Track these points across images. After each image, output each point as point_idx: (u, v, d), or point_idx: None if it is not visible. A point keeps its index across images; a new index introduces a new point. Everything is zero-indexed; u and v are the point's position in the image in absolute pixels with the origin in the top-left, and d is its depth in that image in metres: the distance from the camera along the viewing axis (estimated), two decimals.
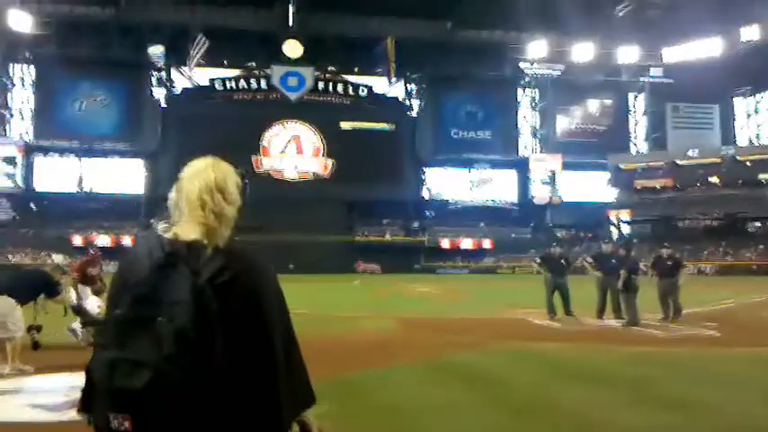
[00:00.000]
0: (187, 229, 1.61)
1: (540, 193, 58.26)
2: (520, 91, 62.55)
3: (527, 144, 62.37)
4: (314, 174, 55.26)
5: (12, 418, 5.47)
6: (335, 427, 4.82)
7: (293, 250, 48.08)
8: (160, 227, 1.66)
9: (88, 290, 10.46)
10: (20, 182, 52.19)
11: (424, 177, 58.35)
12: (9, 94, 55.10)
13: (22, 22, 50.95)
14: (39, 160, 53.67)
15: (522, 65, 58.61)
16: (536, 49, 57.71)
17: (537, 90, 62.01)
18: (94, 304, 10.01)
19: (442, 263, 52.06)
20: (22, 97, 55.63)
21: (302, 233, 48.31)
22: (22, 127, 55.28)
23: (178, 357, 1.42)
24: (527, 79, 60.94)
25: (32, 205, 52.54)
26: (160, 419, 1.43)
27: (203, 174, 1.66)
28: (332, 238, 49.88)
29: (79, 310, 9.69)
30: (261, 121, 55.00)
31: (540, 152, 60.72)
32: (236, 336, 1.50)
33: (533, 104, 62.55)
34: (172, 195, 1.67)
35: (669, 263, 14.27)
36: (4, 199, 51.71)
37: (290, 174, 55.13)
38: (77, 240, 47.43)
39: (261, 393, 1.54)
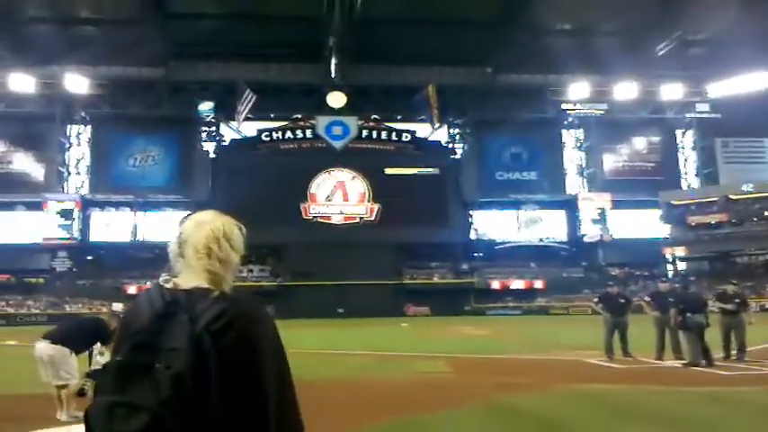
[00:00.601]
0: (189, 278, 1.67)
1: (590, 232, 57.22)
2: (564, 131, 62.45)
3: (574, 183, 61.76)
4: (360, 218, 55.49)
5: None
6: None
7: (342, 295, 48.07)
8: (162, 277, 1.69)
9: None
10: (76, 234, 53.77)
11: (471, 219, 58.04)
12: (67, 153, 57.51)
13: (78, 84, 53.55)
14: (95, 214, 55.42)
15: (564, 105, 58.59)
16: (578, 89, 57.81)
17: (581, 129, 61.80)
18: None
19: (493, 304, 51.10)
20: (78, 154, 58.03)
21: (350, 277, 48.30)
22: (78, 182, 57.43)
23: (175, 402, 1.44)
24: (570, 119, 60.84)
25: (89, 256, 53.97)
26: None
27: (210, 223, 1.73)
28: (380, 281, 49.63)
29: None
30: (307, 170, 55.92)
31: (588, 191, 60.00)
32: (231, 382, 1.52)
33: (578, 144, 62.23)
34: (172, 247, 1.73)
35: (736, 300, 13.65)
36: (63, 251, 53.38)
37: (337, 219, 55.48)
38: (132, 289, 48.31)
39: None
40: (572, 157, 62.46)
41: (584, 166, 61.72)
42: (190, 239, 1.71)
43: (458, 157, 59.20)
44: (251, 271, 51.87)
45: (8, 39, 48.67)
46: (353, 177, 56.60)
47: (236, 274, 1.73)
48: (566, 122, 61.49)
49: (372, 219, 55.26)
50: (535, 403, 8.44)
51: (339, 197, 56.37)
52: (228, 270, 1.69)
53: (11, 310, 45.87)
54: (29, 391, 10.48)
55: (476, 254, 56.91)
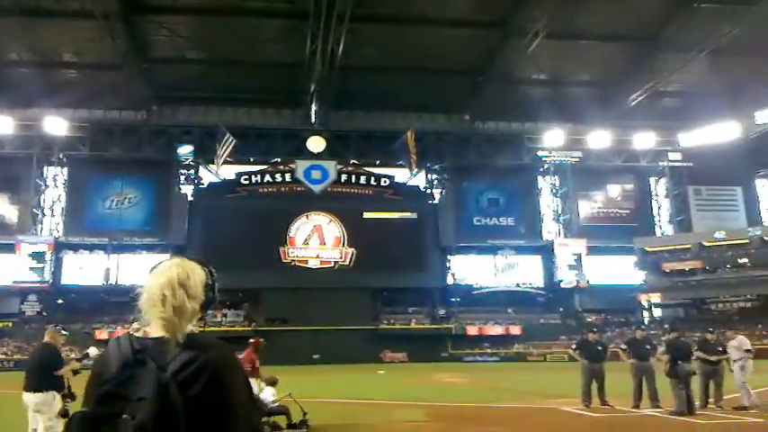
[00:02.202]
0: (155, 327, 1.69)
1: (566, 278, 57.48)
2: (540, 178, 63.29)
3: (550, 229, 62.35)
4: (336, 262, 55.28)
5: None
6: None
7: (318, 340, 47.53)
8: (133, 327, 1.80)
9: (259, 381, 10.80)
10: (48, 277, 52.79)
11: (448, 264, 58.12)
12: (42, 195, 56.92)
13: (57, 126, 53.44)
14: (67, 257, 54.53)
15: (540, 153, 59.58)
16: (553, 137, 58.93)
17: (557, 176, 62.73)
18: (269, 394, 10.65)
19: (470, 350, 50.80)
20: (54, 196, 57.43)
21: (327, 323, 47.82)
22: (52, 224, 56.71)
23: None
24: (546, 166, 61.77)
25: (60, 300, 52.92)
26: None
27: (167, 272, 1.76)
28: (357, 326, 49.20)
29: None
30: (285, 214, 55.83)
31: (564, 237, 60.58)
32: (201, 428, 1.52)
33: (554, 190, 63.08)
34: (141, 294, 1.77)
35: (718, 348, 13.84)
36: (33, 294, 52.29)
37: (314, 263, 55.23)
38: (103, 335, 47.32)
39: None
40: (548, 203, 63.20)
41: (559, 212, 62.45)
42: (147, 288, 1.74)
43: (436, 202, 59.63)
44: (225, 315, 51.22)
45: None
46: (331, 221, 56.58)
47: (196, 320, 1.72)
48: (541, 169, 62.38)
49: (349, 263, 55.07)
50: None
51: (316, 241, 56.22)
52: (183, 318, 1.68)
53: None
54: None
55: (453, 299, 56.77)
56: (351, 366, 38.72)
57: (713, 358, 13.43)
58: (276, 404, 10.76)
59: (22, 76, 49.63)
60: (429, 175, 60.40)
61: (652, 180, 65.09)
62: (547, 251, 58.96)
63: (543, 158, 60.01)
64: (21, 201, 56.60)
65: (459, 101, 56.64)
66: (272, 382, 11.17)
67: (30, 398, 7.64)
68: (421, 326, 53.12)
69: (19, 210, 56.62)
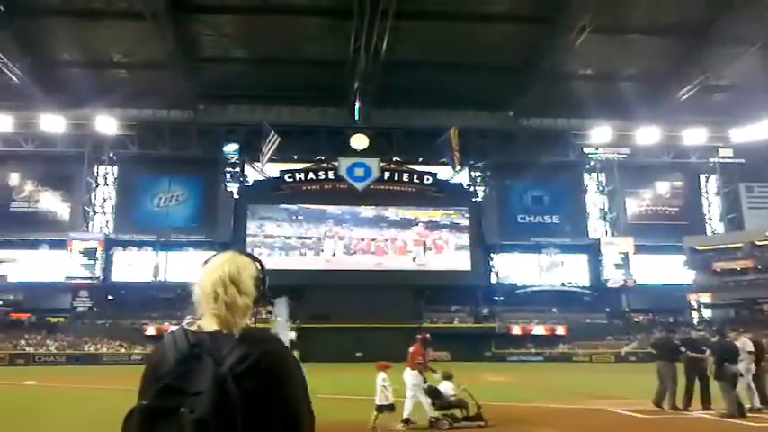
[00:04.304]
0: (209, 321, 1.72)
1: (613, 277, 56.52)
2: (586, 175, 62.32)
3: (597, 227, 61.34)
4: (380, 260, 55.35)
5: None
6: None
7: (360, 338, 47.64)
8: (186, 320, 1.76)
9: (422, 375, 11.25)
10: (99, 273, 54.24)
11: (492, 262, 57.66)
12: (93, 193, 58.47)
13: (107, 125, 54.76)
14: (118, 253, 55.95)
15: (586, 149, 58.60)
16: (600, 133, 57.86)
17: (603, 174, 61.66)
18: (449, 387, 11.11)
19: (514, 350, 50.33)
20: (104, 194, 58.94)
21: (369, 320, 47.92)
22: (103, 222, 58.20)
23: None
24: (592, 163, 60.76)
25: (110, 296, 54.28)
26: None
27: (219, 268, 1.76)
28: (399, 324, 49.12)
29: (434, 393, 10.82)
30: (329, 211, 56.29)
31: (611, 235, 59.51)
32: (258, 425, 1.54)
33: (600, 188, 62.02)
34: (195, 290, 1.79)
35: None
36: (84, 290, 53.74)
37: (357, 261, 55.38)
38: (151, 330, 48.47)
39: None
40: (594, 201, 62.16)
41: (606, 210, 61.36)
42: (200, 284, 1.75)
43: (479, 199, 59.23)
44: (269, 312, 51.65)
45: (41, 80, 50.07)
46: (375, 219, 56.73)
47: (251, 315, 1.75)
48: (588, 166, 61.41)
49: (392, 261, 55.11)
50: None
51: (359, 239, 56.40)
52: (236, 314, 1.69)
53: (30, 350, 46.00)
54: None
55: (497, 298, 56.31)
56: (394, 365, 38.37)
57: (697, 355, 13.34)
58: (454, 397, 11.09)
59: (74, 77, 50.93)
60: (472, 173, 59.99)
61: (702, 177, 63.52)
62: (593, 250, 58.01)
63: (590, 155, 59.01)
64: (72, 199, 58.21)
65: (503, 97, 56.00)
66: (448, 376, 11.55)
67: None
68: (464, 325, 52.83)
69: (71, 207, 58.22)
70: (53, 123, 53.81)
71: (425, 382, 11.25)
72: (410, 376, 11.36)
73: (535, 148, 57.95)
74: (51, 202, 58.22)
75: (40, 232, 54.90)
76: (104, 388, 20.93)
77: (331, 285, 50.82)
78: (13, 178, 58.48)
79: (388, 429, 10.42)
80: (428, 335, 12.49)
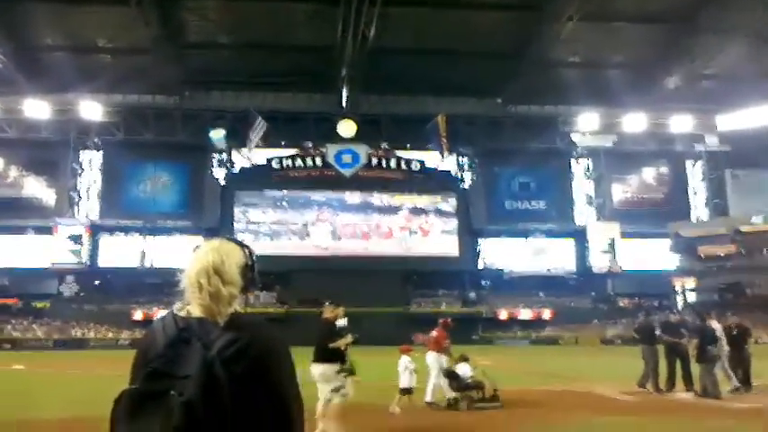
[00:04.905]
0: (196, 308, 1.73)
1: (599, 262, 56.99)
2: (573, 161, 62.60)
3: (583, 213, 61.70)
4: (366, 245, 55.54)
5: None
6: None
7: (349, 322, 47.66)
8: (176, 305, 1.77)
9: (444, 358, 11.58)
10: (85, 259, 53.98)
11: (479, 248, 57.92)
12: (78, 178, 58.04)
13: (91, 110, 54.20)
14: (104, 239, 55.69)
15: (573, 136, 58.81)
16: (587, 120, 57.99)
17: (590, 160, 61.97)
18: (466, 369, 11.41)
19: (501, 333, 50.72)
20: (90, 180, 58.52)
21: (357, 305, 47.86)
22: (89, 207, 57.83)
23: (187, 429, 1.48)
24: (579, 150, 61.01)
25: (96, 281, 54.10)
26: None
27: (202, 258, 1.77)
28: (387, 309, 49.39)
29: (452, 375, 11.13)
30: (316, 198, 56.37)
31: (597, 221, 59.91)
32: (246, 409, 1.57)
33: (587, 174, 62.34)
34: (182, 277, 1.79)
35: (735, 332, 13.84)
36: (70, 275, 53.53)
37: (344, 246, 55.55)
38: (138, 315, 48.40)
39: None
40: (581, 188, 62.47)
41: (593, 196, 61.72)
42: (186, 272, 1.77)
43: (467, 186, 59.36)
44: (257, 297, 51.76)
45: (24, 66, 49.50)
46: (362, 205, 56.79)
47: (240, 302, 1.76)
48: (575, 153, 61.66)
49: (379, 247, 55.25)
50: None
51: (346, 225, 56.47)
52: (220, 303, 1.71)
53: (17, 335, 45.87)
54: (37, 416, 10.51)
55: (484, 282, 56.63)
56: (381, 349, 38.44)
57: (680, 341, 13.53)
58: (471, 379, 11.37)
59: (58, 62, 50.26)
60: (460, 159, 60.10)
61: (688, 164, 63.95)
62: (579, 235, 58.46)
63: (576, 142, 59.22)
64: (58, 184, 57.81)
65: (491, 84, 55.95)
66: (465, 359, 11.81)
67: (314, 369, 8.14)
68: (451, 309, 53.03)
69: (56, 193, 57.85)
70: (37, 109, 53.17)
71: (444, 365, 11.48)
72: (434, 359, 11.56)
73: (523, 134, 58.08)
74: (36, 188, 57.79)
75: (24, 218, 54.49)
76: (92, 372, 20.93)
77: (319, 270, 50.87)
78: None
79: (410, 411, 10.56)
80: (450, 319, 12.77)
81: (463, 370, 11.54)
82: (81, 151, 58.34)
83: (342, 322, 9.27)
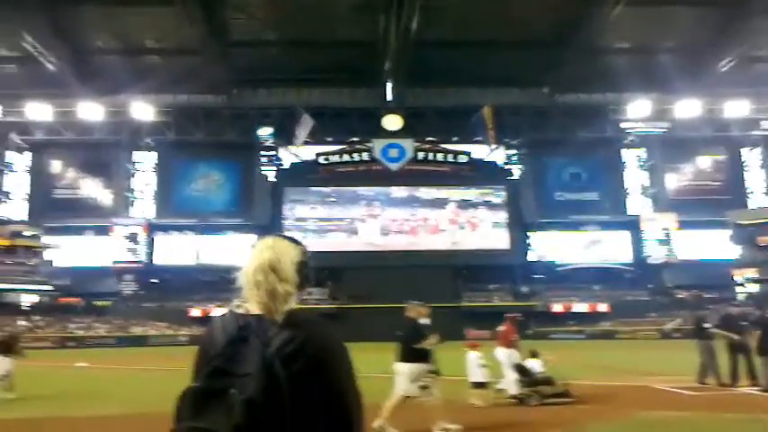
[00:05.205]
0: (254, 305, 1.75)
1: (654, 253, 55.71)
2: (624, 151, 61.18)
3: (637, 203, 60.28)
4: (416, 240, 55.42)
5: None
6: None
7: (400, 318, 47.67)
8: (234, 303, 1.80)
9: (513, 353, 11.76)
10: (142, 258, 55.46)
11: (530, 240, 57.25)
12: (133, 179, 59.51)
13: (143, 111, 55.56)
14: (159, 238, 57.01)
15: (624, 124, 57.53)
16: (638, 108, 56.73)
17: (643, 149, 60.49)
18: (536, 364, 11.65)
19: (556, 328, 50.01)
20: (144, 180, 59.90)
21: (408, 300, 47.89)
22: (144, 207, 59.24)
23: (248, 427, 1.50)
24: (631, 138, 59.62)
25: (154, 279, 55.42)
26: None
27: (258, 256, 1.79)
28: (438, 304, 49.04)
29: (522, 370, 11.22)
30: (364, 193, 56.49)
31: (652, 211, 58.50)
32: (305, 407, 1.59)
33: (640, 163, 60.87)
34: (239, 275, 1.81)
35: (742, 323, 13.51)
36: (129, 274, 54.99)
37: (394, 241, 55.52)
38: (196, 312, 49.42)
39: None
40: (634, 177, 61.05)
41: (646, 186, 60.26)
42: (244, 270, 1.79)
43: (516, 178, 58.70)
44: (310, 293, 52.20)
45: (78, 69, 50.82)
46: (409, 199, 56.71)
47: (292, 299, 1.76)
48: (626, 142, 60.27)
49: (427, 241, 55.11)
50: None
51: (394, 220, 56.48)
52: (277, 300, 1.72)
53: (80, 333, 47.23)
54: (102, 412, 10.77)
55: (536, 276, 55.94)
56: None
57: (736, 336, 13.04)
58: (541, 374, 11.46)
59: (109, 64, 51.56)
60: (508, 151, 59.45)
61: (744, 150, 61.86)
62: (633, 226, 57.19)
63: (628, 131, 57.91)
64: (113, 185, 59.42)
65: (537, 73, 55.11)
66: (535, 354, 12.01)
67: (400, 368, 8.37)
68: (503, 303, 52.55)
69: (112, 193, 59.42)
70: (91, 111, 54.77)
71: (515, 360, 11.48)
72: (503, 354, 11.55)
73: (571, 124, 57.15)
74: (93, 189, 59.51)
75: (83, 218, 56.16)
76: (154, 368, 21.40)
77: (368, 266, 51.05)
78: (55, 166, 59.87)
79: (480, 406, 10.55)
80: (518, 315, 13.27)
81: (532, 365, 11.58)
82: (134, 152, 59.76)
83: (425, 321, 9.29)
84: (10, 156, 58.40)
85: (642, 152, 60.85)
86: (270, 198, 57.01)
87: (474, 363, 11.48)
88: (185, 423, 1.57)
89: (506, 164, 59.16)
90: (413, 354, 8.26)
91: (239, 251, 54.94)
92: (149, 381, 17.12)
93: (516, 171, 59.37)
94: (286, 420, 1.55)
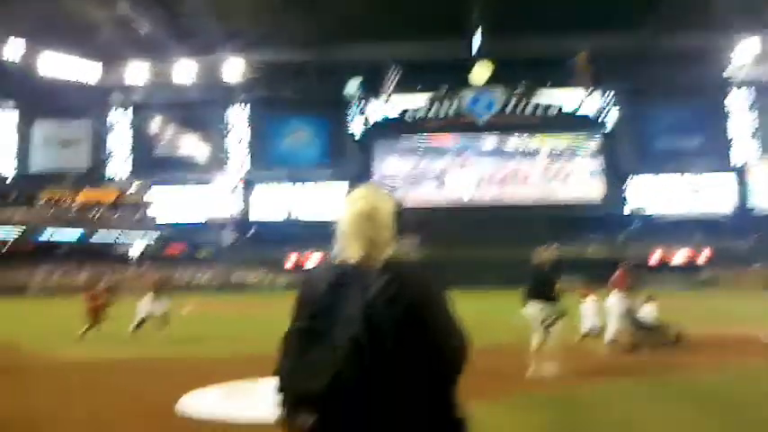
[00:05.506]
0: (352, 253, 1.80)
1: (762, 202, 52.77)
2: (730, 95, 57.68)
3: (742, 150, 57.01)
4: (508, 190, 54.82)
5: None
6: None
7: (492, 267, 47.59)
8: (333, 251, 1.84)
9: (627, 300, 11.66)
10: (239, 211, 58.05)
11: (625, 190, 55.39)
12: (227, 135, 61.50)
13: (235, 69, 57.07)
14: (254, 191, 59.24)
15: (729, 67, 54.16)
16: (745, 49, 53.19)
17: (751, 91, 56.82)
18: (650, 311, 11.65)
19: (654, 278, 48.47)
20: (238, 136, 61.80)
21: (501, 250, 47.67)
22: (239, 162, 61.31)
23: (351, 364, 1.60)
24: (737, 81, 56.11)
25: (251, 231, 57.52)
26: (338, 416, 1.63)
27: (355, 205, 1.84)
28: (529, 256, 48.51)
29: (635, 317, 11.23)
30: (453, 144, 56.11)
31: (760, 158, 55.20)
32: (406, 346, 1.63)
33: (749, 107, 57.23)
34: (337, 224, 1.86)
35: None
36: (228, 226, 57.37)
37: (486, 191, 55.21)
38: (291, 262, 51.03)
39: (433, 394, 1.70)
40: (740, 122, 57.56)
41: (754, 130, 56.66)
42: (340, 219, 1.85)
43: (611, 125, 56.61)
44: (400, 246, 52.69)
45: (170, 30, 52.41)
46: (498, 150, 55.92)
47: (389, 247, 1.79)
48: (732, 85, 56.76)
49: (518, 192, 54.36)
50: (716, 382, 8.04)
51: (484, 171, 55.93)
52: (375, 247, 1.77)
53: (184, 281, 49.68)
54: (209, 354, 11.30)
55: (632, 226, 54.18)
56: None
57: None
58: (655, 321, 11.47)
59: (200, 23, 52.73)
60: (603, 98, 57.28)
61: None
62: (738, 174, 54.29)
63: (734, 72, 54.50)
64: (209, 141, 61.59)
65: (635, 15, 52.28)
66: (652, 299, 11.95)
67: (529, 308, 8.70)
68: (598, 254, 51.39)
69: (209, 150, 61.66)
70: (185, 71, 56.74)
71: (628, 308, 11.27)
72: (616, 301, 11.38)
73: (671, 67, 54.19)
74: (190, 146, 61.96)
75: (182, 174, 58.68)
76: (255, 313, 22.28)
77: (457, 218, 51.01)
78: (154, 125, 62.52)
79: (593, 352, 10.49)
80: (631, 262, 13.00)
81: (646, 311, 11.32)
82: (228, 109, 61.58)
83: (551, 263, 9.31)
84: (113, 115, 61.48)
85: (750, 96, 57.13)
86: (359, 152, 57.50)
87: (587, 310, 11.35)
88: (288, 362, 1.71)
89: (601, 111, 57.09)
90: (542, 295, 8.31)
91: (331, 204, 56.57)
92: (251, 325, 17.82)
93: (611, 119, 57.23)
94: (388, 363, 1.62)
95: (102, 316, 13.49)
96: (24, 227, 50.51)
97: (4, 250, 49.26)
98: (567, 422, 5.89)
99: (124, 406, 6.66)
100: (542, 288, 8.37)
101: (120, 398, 7.14)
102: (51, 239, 51.05)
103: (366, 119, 59.51)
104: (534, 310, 8.38)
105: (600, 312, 11.31)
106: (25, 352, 11.49)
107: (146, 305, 13.62)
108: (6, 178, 58.56)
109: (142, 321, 13.42)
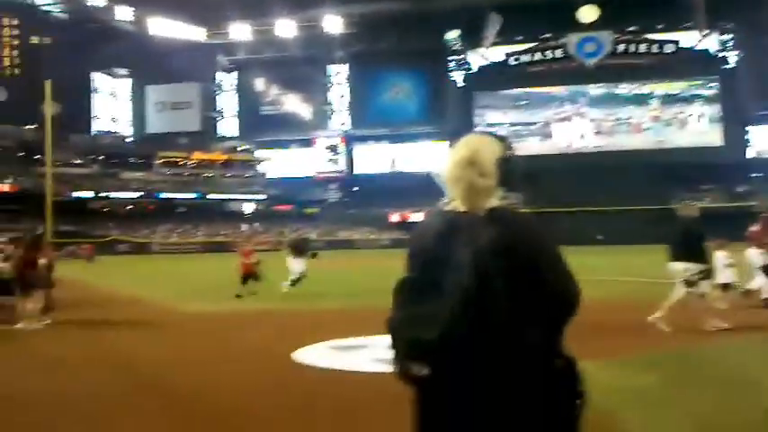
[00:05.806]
0: (459, 203, 1.73)
1: None
2: None
3: None
4: (618, 140, 52.73)
5: None
6: (672, 395, 4.91)
7: (601, 221, 46.42)
8: (442, 201, 1.77)
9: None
10: (343, 167, 58.96)
11: (747, 135, 51.92)
12: (329, 92, 62.25)
13: (333, 24, 57.26)
14: (357, 148, 59.97)
15: None
16: None
17: None
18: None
19: None
20: (340, 92, 62.38)
21: (607, 203, 46.32)
22: (341, 119, 62.07)
23: (464, 312, 1.58)
24: None
25: (355, 187, 58.66)
26: (453, 365, 1.63)
27: (457, 152, 1.76)
28: (642, 207, 46.89)
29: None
30: (560, 92, 54.35)
31: None
32: (517, 296, 1.60)
33: None
34: (441, 174, 1.78)
35: None
36: (332, 183, 58.80)
37: (592, 142, 53.39)
38: (395, 217, 51.76)
39: (547, 340, 1.67)
40: None
41: None
42: (444, 169, 1.79)
43: (732, 66, 52.77)
44: (505, 198, 52.13)
45: None
46: (607, 97, 53.60)
47: (494, 195, 1.71)
48: None
49: (629, 140, 52.15)
50: None
51: (592, 120, 53.94)
52: (478, 195, 1.70)
53: (294, 236, 51.47)
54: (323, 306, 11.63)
55: (755, 174, 50.94)
56: (637, 248, 36.37)
57: None
58: None
59: None
60: (722, 36, 53.32)
61: None
62: None
63: None
64: (312, 99, 62.65)
65: None
66: None
67: (675, 266, 8.20)
68: (717, 204, 48.81)
69: (312, 107, 62.77)
70: (286, 28, 57.53)
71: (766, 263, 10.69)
72: (755, 255, 10.82)
73: None
74: (294, 104, 63.28)
75: (287, 132, 60.21)
76: (363, 268, 22.90)
77: (564, 169, 49.66)
78: (259, 84, 64.11)
79: (725, 309, 10.03)
80: None
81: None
82: (329, 65, 62.05)
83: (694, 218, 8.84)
84: (219, 76, 63.51)
85: None
86: (460, 104, 56.70)
87: (721, 263, 10.79)
88: (406, 311, 1.70)
89: (720, 51, 53.26)
90: (689, 253, 7.95)
91: (432, 158, 56.52)
92: (360, 279, 18.35)
93: (732, 58, 53.27)
94: (499, 312, 1.61)
95: (259, 274, 14.29)
96: (144, 189, 53.83)
97: (126, 210, 52.95)
98: (680, 379, 5.82)
99: (245, 352, 7.17)
100: (689, 246, 8.05)
101: (242, 345, 7.70)
102: (170, 198, 54.21)
103: (467, 69, 58.35)
104: (680, 267, 8.12)
105: (733, 268, 10.78)
106: (158, 306, 12.34)
107: (298, 264, 14.25)
108: (125, 138, 62.43)
109: (297, 279, 14.12)
